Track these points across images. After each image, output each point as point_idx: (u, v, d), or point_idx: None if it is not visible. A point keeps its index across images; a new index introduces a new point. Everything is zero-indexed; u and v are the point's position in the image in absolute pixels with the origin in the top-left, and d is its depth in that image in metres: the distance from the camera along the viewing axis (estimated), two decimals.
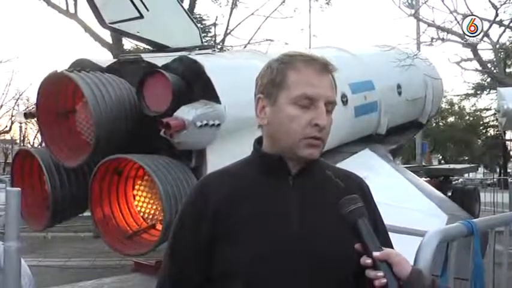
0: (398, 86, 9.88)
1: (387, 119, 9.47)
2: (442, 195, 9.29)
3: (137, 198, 6.35)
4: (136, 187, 6.35)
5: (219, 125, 6.18)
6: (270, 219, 1.44)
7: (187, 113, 5.98)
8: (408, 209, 6.84)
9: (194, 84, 6.26)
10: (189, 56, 6.53)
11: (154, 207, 6.22)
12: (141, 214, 6.34)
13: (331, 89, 1.50)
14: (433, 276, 1.81)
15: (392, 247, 1.55)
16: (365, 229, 1.33)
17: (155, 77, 6.15)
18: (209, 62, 6.66)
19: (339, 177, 1.55)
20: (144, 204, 6.33)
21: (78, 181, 6.53)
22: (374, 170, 7.97)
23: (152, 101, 6.17)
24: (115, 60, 7.26)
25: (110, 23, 6.65)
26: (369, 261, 1.31)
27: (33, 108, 8.45)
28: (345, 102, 8.18)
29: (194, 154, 6.30)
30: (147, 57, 6.78)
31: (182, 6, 7.97)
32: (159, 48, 7.06)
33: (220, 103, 6.19)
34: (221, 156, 6.23)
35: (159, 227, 6.00)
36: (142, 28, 6.86)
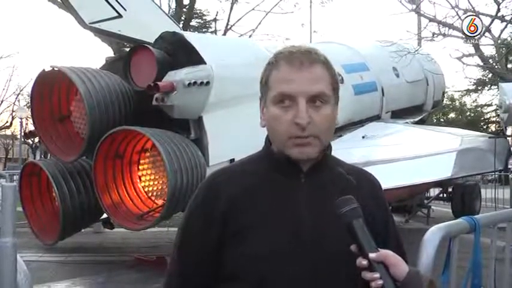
0: (394, 69, 10.09)
1: (390, 100, 9.66)
2: (451, 129, 9.61)
3: (143, 178, 6.39)
4: (141, 167, 6.39)
5: (208, 83, 6.24)
6: (281, 218, 1.41)
7: (173, 75, 6.12)
8: (424, 141, 7.29)
9: (178, 53, 6.41)
10: (169, 31, 6.67)
11: (161, 181, 6.26)
12: (149, 194, 6.38)
13: (314, 82, 1.41)
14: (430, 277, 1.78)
15: (402, 247, 1.52)
16: (360, 230, 1.31)
17: (139, 52, 6.27)
18: (189, 32, 6.78)
19: (351, 174, 1.51)
20: (151, 183, 6.39)
21: (88, 192, 6.57)
22: (383, 129, 8.38)
23: (139, 76, 6.28)
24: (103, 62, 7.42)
25: (90, 23, 6.70)
26: (364, 262, 1.29)
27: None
28: (340, 80, 8.39)
29: (192, 125, 6.34)
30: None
31: (159, 6, 8.10)
32: None
33: (205, 63, 6.29)
34: (219, 125, 6.30)
35: (166, 196, 6.03)
36: (123, 27, 6.97)
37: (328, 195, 1.43)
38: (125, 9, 6.91)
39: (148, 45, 6.31)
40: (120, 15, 6.86)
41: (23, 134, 25.18)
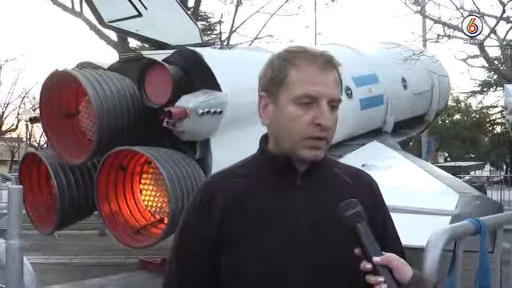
0: (403, 80, 9.90)
1: (394, 112, 9.48)
2: (452, 176, 9.31)
3: (144, 192, 6.35)
4: (143, 181, 6.35)
5: (221, 112, 6.18)
6: (279, 220, 1.41)
7: (188, 101, 6.01)
8: (420, 190, 6.87)
9: (194, 73, 6.28)
10: (188, 47, 6.56)
11: (161, 199, 6.21)
12: (149, 208, 6.33)
13: (335, 86, 1.44)
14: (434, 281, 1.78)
15: (401, 246, 1.52)
16: (364, 234, 1.31)
17: (155, 68, 6.19)
18: (208, 52, 6.68)
19: (347, 175, 1.52)
20: (151, 198, 6.33)
21: (86, 184, 6.54)
22: (383, 158, 8.02)
23: (153, 93, 6.20)
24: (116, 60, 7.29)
25: (108, 22, 6.66)
26: (368, 266, 1.29)
27: (37, 107, 8.49)
28: (349, 95, 8.21)
29: (198, 145, 6.30)
30: (148, 54, 6.79)
31: (181, 5, 7.97)
32: (160, 46, 7.06)
33: (221, 90, 6.21)
34: (226, 147, 6.24)
35: (167, 221, 5.99)
36: (141, 26, 6.88)
37: (324, 196, 1.44)
38: (146, 8, 6.83)
39: (164, 63, 6.21)
40: (140, 14, 6.79)
41: (28, 119, 25.02)
